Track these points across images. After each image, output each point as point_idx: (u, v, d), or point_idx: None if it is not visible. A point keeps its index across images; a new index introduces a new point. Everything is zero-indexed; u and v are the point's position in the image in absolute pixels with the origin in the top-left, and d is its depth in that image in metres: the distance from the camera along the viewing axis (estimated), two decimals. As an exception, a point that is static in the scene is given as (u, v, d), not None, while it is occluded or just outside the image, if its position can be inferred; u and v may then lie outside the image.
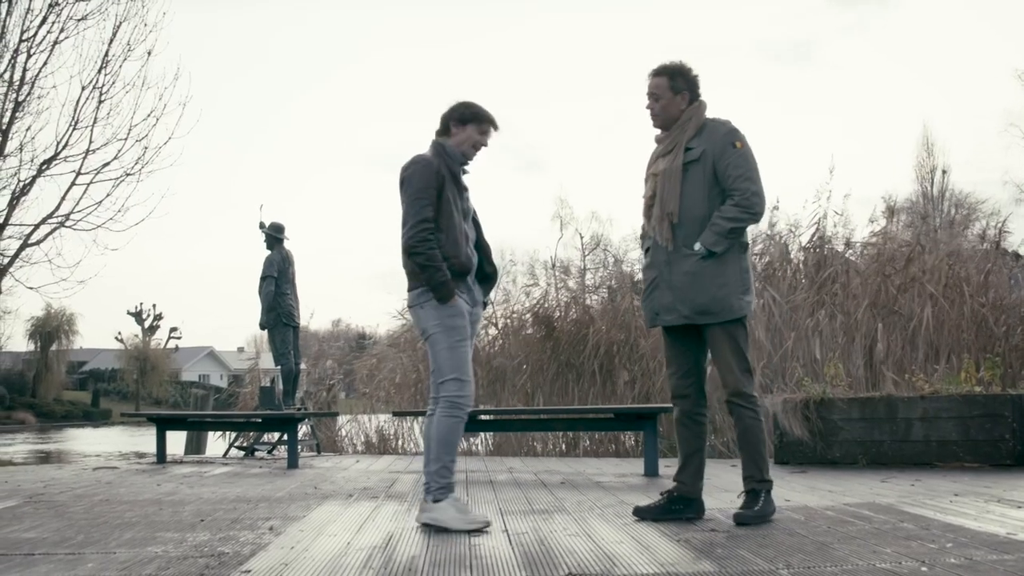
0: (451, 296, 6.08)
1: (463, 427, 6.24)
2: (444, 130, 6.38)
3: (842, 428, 10.04)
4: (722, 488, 8.02)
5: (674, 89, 6.24)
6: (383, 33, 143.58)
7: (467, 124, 6.31)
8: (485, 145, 6.41)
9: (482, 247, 6.48)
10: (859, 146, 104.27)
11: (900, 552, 4.90)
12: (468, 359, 6.22)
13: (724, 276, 6.03)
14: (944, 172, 51.35)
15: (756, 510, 6.04)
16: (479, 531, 5.94)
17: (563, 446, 15.28)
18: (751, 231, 16.22)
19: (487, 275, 6.51)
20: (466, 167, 6.43)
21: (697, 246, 6.01)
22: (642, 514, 6.31)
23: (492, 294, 6.96)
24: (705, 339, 6.20)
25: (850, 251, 15.59)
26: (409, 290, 6.24)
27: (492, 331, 17.98)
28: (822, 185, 15.94)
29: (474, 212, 6.51)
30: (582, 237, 18.50)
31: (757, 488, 6.11)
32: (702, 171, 6.08)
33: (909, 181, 53.15)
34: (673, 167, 6.13)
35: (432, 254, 6.05)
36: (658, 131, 6.38)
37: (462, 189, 6.38)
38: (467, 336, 6.21)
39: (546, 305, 17.14)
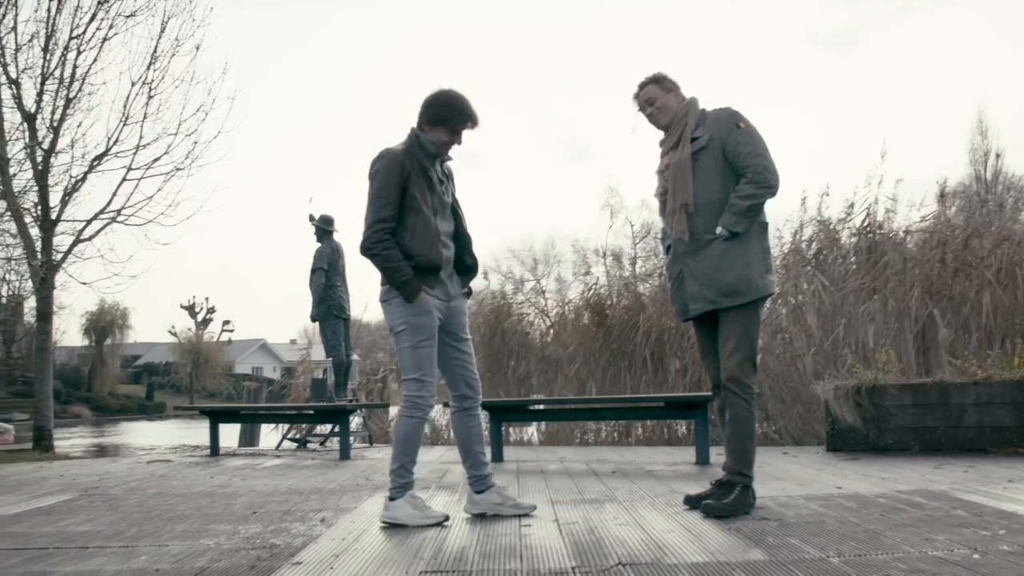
0: (416, 294, 6.00)
1: (423, 427, 6.24)
2: (420, 123, 6.25)
3: (894, 414, 9.98)
4: (774, 476, 8.00)
5: (665, 89, 6.35)
6: (429, 27, 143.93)
7: (439, 126, 6.15)
8: (460, 143, 6.25)
9: (461, 239, 6.37)
10: (912, 130, 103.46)
11: (952, 539, 4.87)
12: (432, 358, 6.14)
13: (747, 256, 6.03)
14: (998, 155, 50.81)
15: (725, 503, 5.98)
16: (439, 524, 5.97)
17: (615, 435, 15.28)
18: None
19: (467, 267, 6.41)
20: (446, 158, 6.32)
21: (719, 230, 6.00)
22: (692, 502, 6.29)
23: (473, 284, 6.77)
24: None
25: (902, 236, 15.45)
26: (381, 284, 6.17)
27: (546, 321, 18.01)
28: (872, 170, 15.84)
29: (454, 203, 6.39)
30: (632, 225, 18.48)
31: (733, 480, 6.06)
32: (712, 157, 6.10)
33: (962, 165, 52.67)
34: (682, 158, 6.15)
35: (388, 255, 5.99)
36: (662, 135, 6.44)
37: (434, 183, 6.20)
38: (433, 335, 6.11)
39: (599, 293, 17.13)
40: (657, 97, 6.33)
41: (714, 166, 6.09)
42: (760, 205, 6.05)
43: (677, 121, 6.29)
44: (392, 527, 5.93)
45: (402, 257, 6.00)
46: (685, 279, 6.20)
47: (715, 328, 6.23)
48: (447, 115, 6.14)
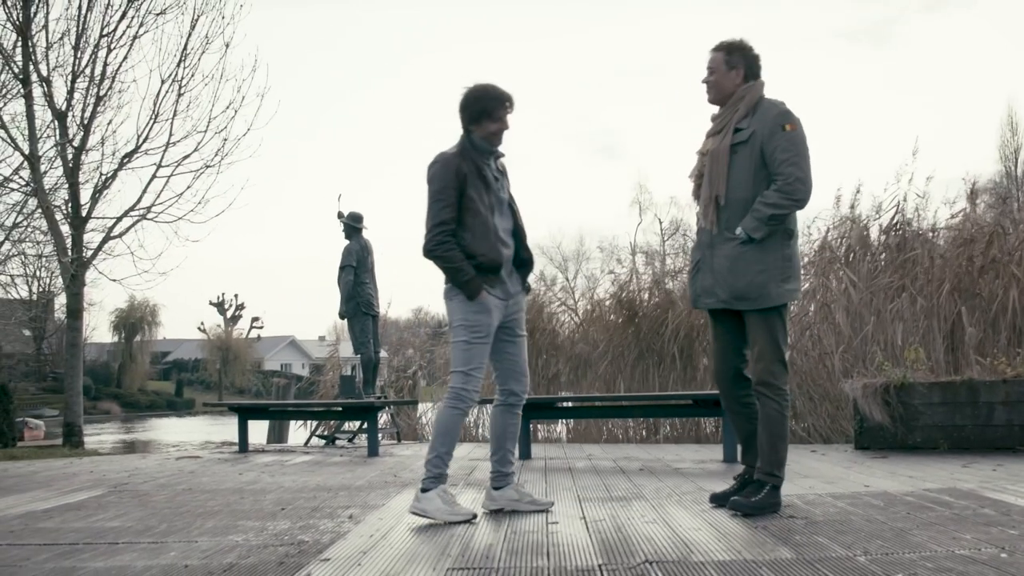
0: (477, 293, 6.08)
1: (463, 420, 6.32)
2: (465, 126, 6.30)
3: (923, 413, 9.93)
4: (802, 474, 7.98)
5: (728, 64, 6.10)
6: (458, 27, 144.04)
7: (481, 121, 6.21)
8: (507, 128, 6.29)
9: (517, 234, 6.41)
10: (941, 127, 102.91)
11: (980, 538, 4.86)
12: (484, 356, 6.22)
13: (764, 262, 5.90)
14: (1028, 151, 50.42)
15: (754, 501, 5.94)
16: (467, 521, 5.98)
17: (643, 432, 15.27)
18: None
19: (523, 261, 6.43)
20: (499, 153, 6.37)
21: (738, 231, 5.89)
22: (718, 500, 6.28)
23: (531, 280, 6.80)
24: (745, 324, 6.13)
25: (931, 233, 15.36)
26: (445, 281, 6.25)
27: (575, 318, 18.01)
28: (902, 167, 15.76)
29: (510, 198, 6.44)
30: (661, 222, 18.47)
31: (764, 480, 6.01)
32: (750, 153, 5.94)
33: (992, 161, 52.31)
34: (721, 148, 6.01)
35: (450, 256, 6.08)
36: (716, 109, 6.25)
37: (489, 182, 6.26)
38: (489, 333, 6.18)
39: (629, 290, 17.11)
40: (716, 69, 6.13)
41: (749, 163, 5.94)
42: (784, 216, 5.88)
43: (729, 105, 6.11)
44: (420, 523, 5.95)
45: (464, 257, 6.09)
46: (702, 269, 6.14)
47: (730, 322, 6.17)
48: (482, 107, 6.21)
